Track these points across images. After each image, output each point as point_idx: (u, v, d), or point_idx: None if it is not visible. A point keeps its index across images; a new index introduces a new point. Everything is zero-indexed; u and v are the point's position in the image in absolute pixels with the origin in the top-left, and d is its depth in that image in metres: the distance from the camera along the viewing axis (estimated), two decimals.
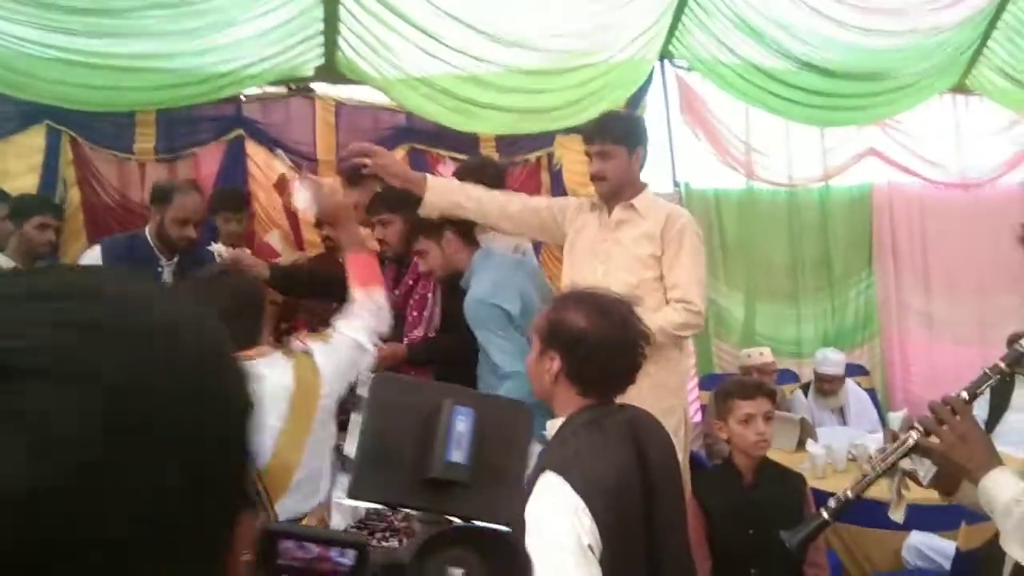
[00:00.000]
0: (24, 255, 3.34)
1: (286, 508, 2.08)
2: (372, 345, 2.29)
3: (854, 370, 5.15)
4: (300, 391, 2.09)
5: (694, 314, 2.62)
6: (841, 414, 4.57)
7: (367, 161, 2.80)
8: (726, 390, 2.64)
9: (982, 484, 1.48)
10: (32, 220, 3.34)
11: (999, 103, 5.36)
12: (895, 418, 3.97)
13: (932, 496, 1.71)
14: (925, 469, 1.62)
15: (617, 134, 2.80)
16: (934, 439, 1.57)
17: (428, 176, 2.94)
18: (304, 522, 2.14)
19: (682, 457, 2.76)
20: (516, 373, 2.60)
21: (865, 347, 5.51)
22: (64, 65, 3.67)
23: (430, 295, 3.03)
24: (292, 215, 3.45)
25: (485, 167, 3.56)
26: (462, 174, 3.50)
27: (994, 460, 1.51)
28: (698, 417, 5.07)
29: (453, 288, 3.02)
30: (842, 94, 4.98)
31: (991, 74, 5.25)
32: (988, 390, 1.63)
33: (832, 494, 3.03)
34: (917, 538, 3.00)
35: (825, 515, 1.64)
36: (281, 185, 3.48)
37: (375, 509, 3.17)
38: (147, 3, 3.64)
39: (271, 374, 2.05)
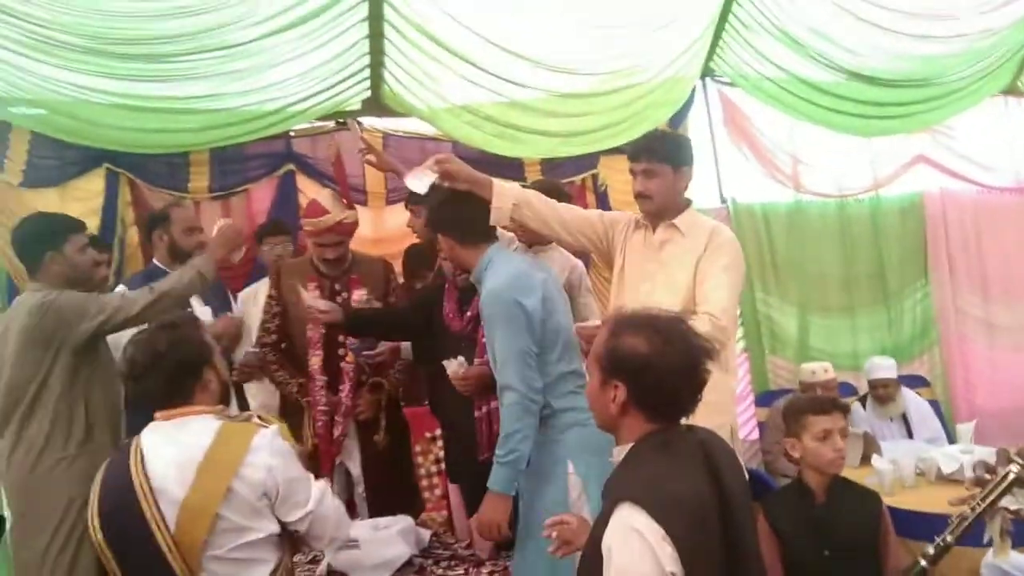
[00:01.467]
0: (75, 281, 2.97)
1: None
2: (309, 510, 2.09)
3: (915, 381, 5.04)
4: (212, 457, 1.95)
5: (719, 329, 2.51)
6: (904, 422, 4.48)
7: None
8: (799, 407, 2.58)
9: None
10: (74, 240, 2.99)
11: None
12: (964, 430, 3.86)
13: None
14: None
15: (663, 152, 2.75)
16: None
17: (494, 181, 2.84)
18: None
19: None
20: (514, 390, 2.42)
21: (924, 357, 5.39)
22: (121, 110, 3.80)
23: None
24: (343, 177, 3.52)
25: (549, 191, 3.54)
26: None
27: None
28: (755, 435, 5.01)
29: None
30: (890, 102, 4.92)
31: None
32: None
33: (903, 511, 3.01)
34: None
35: (923, 562, 1.55)
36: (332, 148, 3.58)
37: (438, 537, 3.19)
38: (196, 47, 3.75)
39: (184, 437, 1.99)
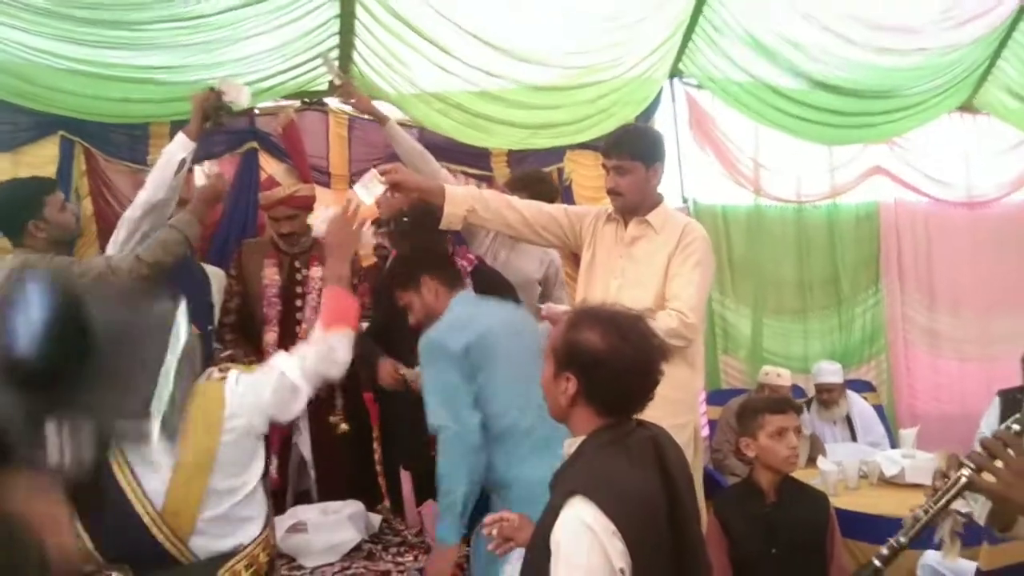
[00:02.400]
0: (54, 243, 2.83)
1: (199, 547, 1.98)
2: (309, 385, 2.16)
3: (861, 386, 5.17)
4: (193, 424, 1.96)
5: (687, 326, 2.53)
6: (848, 425, 4.59)
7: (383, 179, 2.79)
8: (755, 406, 2.61)
9: None
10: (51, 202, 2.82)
11: (1008, 122, 5.40)
12: (907, 435, 3.97)
13: None
14: (979, 507, 1.56)
15: (635, 150, 2.75)
16: (987, 476, 1.50)
17: (446, 187, 2.88)
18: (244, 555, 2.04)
19: (696, 474, 2.74)
20: (444, 427, 2.36)
21: (872, 363, 5.52)
22: (80, 77, 3.67)
23: None
24: (296, 149, 3.46)
25: (534, 181, 3.55)
26: (515, 185, 3.50)
27: None
28: (705, 432, 5.08)
29: None
30: (852, 112, 5.00)
31: (1000, 93, 5.29)
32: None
33: (845, 511, 3.08)
34: (933, 557, 2.93)
35: (877, 563, 1.58)
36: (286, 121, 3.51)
37: (388, 524, 3.17)
38: (163, 16, 3.65)
39: None
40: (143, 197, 2.95)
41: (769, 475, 2.53)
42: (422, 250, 2.72)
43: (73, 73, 3.67)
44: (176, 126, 3.95)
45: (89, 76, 3.69)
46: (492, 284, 3.02)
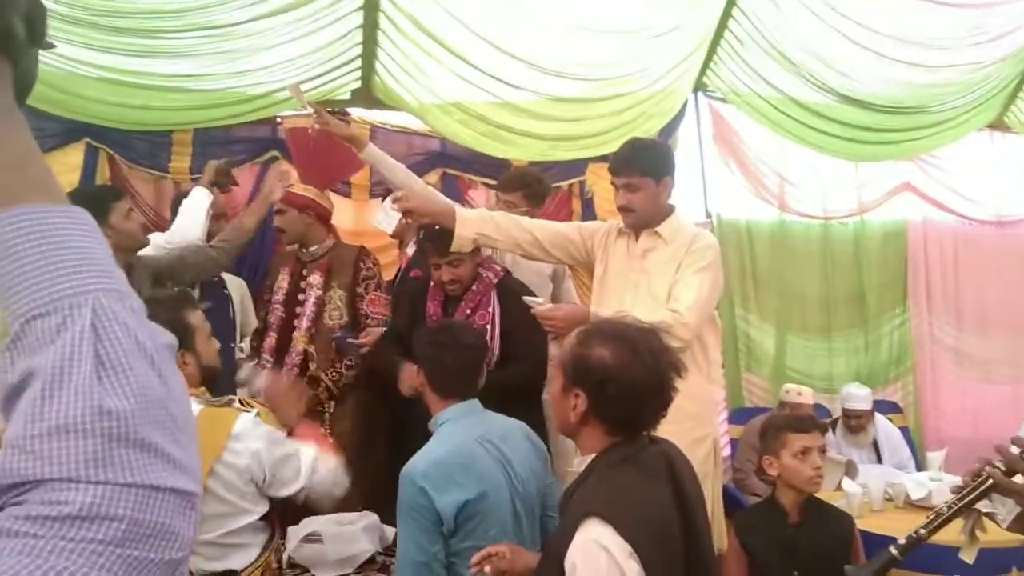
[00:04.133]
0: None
1: (192, 564, 1.91)
2: (306, 483, 2.10)
3: (887, 407, 5.05)
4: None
5: (681, 325, 2.46)
6: (874, 448, 4.47)
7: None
8: (778, 424, 2.55)
9: None
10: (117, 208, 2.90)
11: None
12: (934, 458, 3.86)
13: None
14: (1006, 510, 1.52)
15: (643, 166, 2.74)
16: (1018, 478, 1.47)
17: (457, 208, 2.92)
18: None
19: (713, 489, 2.67)
20: None
21: (898, 384, 5.41)
22: (105, 84, 3.72)
23: (488, 326, 2.92)
24: (300, 156, 3.57)
25: (529, 181, 3.54)
26: (508, 185, 3.51)
27: None
28: (727, 451, 4.99)
29: (512, 317, 2.88)
30: (879, 128, 4.93)
31: None
32: None
33: (871, 534, 3.00)
34: None
35: (894, 551, 1.54)
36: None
37: None
38: (187, 25, 3.69)
39: None
40: (174, 239, 3.16)
41: (792, 495, 2.46)
42: (421, 344, 2.38)
43: (99, 81, 3.73)
44: (199, 133, 4.01)
45: (114, 84, 3.74)
46: (520, 294, 2.96)
